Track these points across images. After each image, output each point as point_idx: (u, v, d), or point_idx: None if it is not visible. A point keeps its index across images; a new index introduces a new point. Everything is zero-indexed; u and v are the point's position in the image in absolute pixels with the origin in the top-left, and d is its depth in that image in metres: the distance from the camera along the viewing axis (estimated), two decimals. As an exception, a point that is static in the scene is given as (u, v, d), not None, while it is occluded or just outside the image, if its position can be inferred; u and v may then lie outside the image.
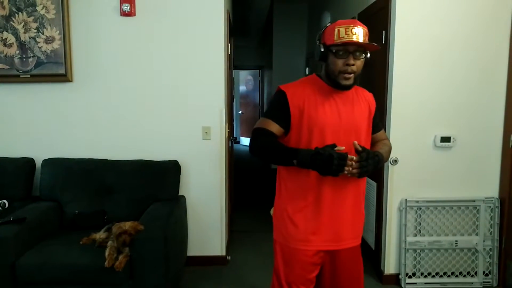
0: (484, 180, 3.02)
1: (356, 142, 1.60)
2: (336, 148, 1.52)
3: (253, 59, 9.89)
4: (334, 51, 1.61)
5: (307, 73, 6.82)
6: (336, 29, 1.58)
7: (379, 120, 1.92)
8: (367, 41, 1.60)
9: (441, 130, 2.95)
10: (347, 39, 1.56)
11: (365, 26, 1.61)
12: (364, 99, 1.79)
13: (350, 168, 1.53)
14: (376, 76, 3.20)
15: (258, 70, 10.44)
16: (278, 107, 1.70)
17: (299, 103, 1.67)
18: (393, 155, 2.94)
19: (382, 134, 1.93)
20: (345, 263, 1.80)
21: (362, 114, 1.75)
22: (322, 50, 1.65)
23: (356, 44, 1.58)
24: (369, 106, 1.80)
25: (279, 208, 1.83)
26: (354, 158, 1.55)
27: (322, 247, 1.75)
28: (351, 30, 1.56)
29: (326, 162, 1.49)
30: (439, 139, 2.93)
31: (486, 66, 2.91)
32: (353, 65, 1.61)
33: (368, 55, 1.66)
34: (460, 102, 2.94)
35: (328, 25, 1.66)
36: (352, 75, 1.63)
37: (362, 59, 1.64)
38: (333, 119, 1.67)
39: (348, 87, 1.67)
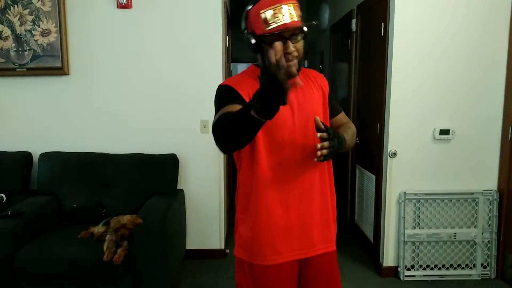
0: (483, 172, 3.02)
1: (317, 118, 1.29)
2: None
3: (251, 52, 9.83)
4: (267, 41, 1.33)
5: (306, 66, 6.78)
6: (262, 15, 1.31)
7: (336, 101, 1.65)
8: (299, 17, 1.34)
9: (440, 122, 2.94)
10: (278, 25, 1.30)
11: None
12: (315, 81, 1.55)
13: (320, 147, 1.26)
14: (374, 68, 3.18)
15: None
16: (229, 95, 1.41)
17: (248, 93, 1.40)
18: (392, 148, 2.94)
19: (343, 117, 1.67)
20: (318, 272, 1.55)
21: (316, 99, 1.51)
22: (254, 41, 1.35)
23: (291, 28, 1.32)
24: (322, 88, 1.56)
25: (240, 219, 1.55)
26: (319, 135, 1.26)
27: (293, 257, 1.49)
28: (280, 11, 1.29)
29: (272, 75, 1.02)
30: (438, 131, 2.93)
31: (485, 57, 2.89)
32: (294, 51, 1.34)
33: (305, 28, 1.37)
34: (460, 94, 2.92)
35: (249, 8, 1.37)
36: (295, 61, 1.36)
37: (301, 41, 1.38)
38: (285, 111, 1.40)
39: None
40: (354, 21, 3.69)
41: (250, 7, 1.37)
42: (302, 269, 1.54)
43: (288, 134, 1.43)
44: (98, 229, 2.61)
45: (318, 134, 1.27)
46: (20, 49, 3.08)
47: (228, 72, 3.95)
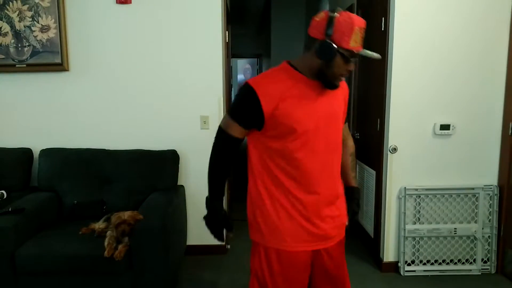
0: (483, 167, 3.02)
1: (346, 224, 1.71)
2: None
3: (251, 47, 9.80)
4: (345, 55, 1.42)
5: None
6: (355, 32, 1.38)
7: (346, 110, 1.74)
8: None
9: (440, 117, 2.94)
10: (360, 47, 1.42)
11: None
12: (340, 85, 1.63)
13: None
14: (375, 64, 3.17)
15: (256, 59, 10.38)
16: (247, 108, 1.49)
17: (272, 100, 1.45)
18: (392, 143, 2.94)
19: (346, 128, 1.77)
20: (332, 259, 1.67)
21: (339, 103, 1.61)
22: (335, 48, 1.40)
23: (361, 52, 1.45)
24: (344, 92, 1.66)
25: (261, 204, 1.62)
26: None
27: (314, 247, 1.60)
28: (362, 34, 1.42)
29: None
30: (439, 127, 2.92)
31: (486, 52, 2.88)
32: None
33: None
34: (460, 89, 2.92)
35: (336, 15, 1.38)
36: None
37: None
38: (315, 113, 1.50)
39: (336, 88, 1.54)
40: (354, 16, 3.67)
41: (336, 14, 1.39)
42: (315, 257, 1.64)
43: (313, 134, 1.51)
44: (99, 225, 2.62)
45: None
46: (19, 45, 3.07)
47: (228, 68, 3.93)
